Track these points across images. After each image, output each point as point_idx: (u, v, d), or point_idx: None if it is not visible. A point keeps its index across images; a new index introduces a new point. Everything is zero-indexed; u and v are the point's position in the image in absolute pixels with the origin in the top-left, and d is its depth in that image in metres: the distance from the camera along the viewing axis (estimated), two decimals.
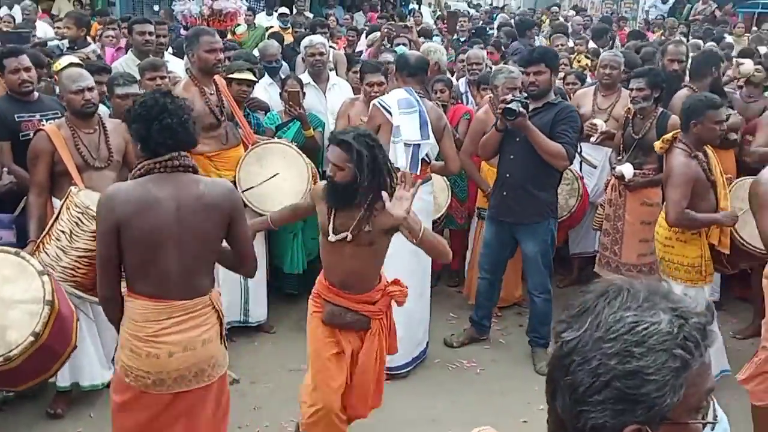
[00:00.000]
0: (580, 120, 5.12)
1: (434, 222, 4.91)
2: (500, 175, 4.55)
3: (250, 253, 2.96)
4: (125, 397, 2.84)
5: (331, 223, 3.18)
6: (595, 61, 6.56)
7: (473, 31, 10.68)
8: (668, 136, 4.19)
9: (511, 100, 4.08)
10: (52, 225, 3.57)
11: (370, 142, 3.08)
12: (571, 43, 8.58)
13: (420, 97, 4.41)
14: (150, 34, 5.67)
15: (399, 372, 4.46)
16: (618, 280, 1.18)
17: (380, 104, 4.36)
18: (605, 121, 5.25)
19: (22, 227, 3.94)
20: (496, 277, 4.80)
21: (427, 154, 4.41)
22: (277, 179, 4.71)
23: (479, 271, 4.89)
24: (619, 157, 4.96)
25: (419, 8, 16.97)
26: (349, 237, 3.13)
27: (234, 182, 4.63)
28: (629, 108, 4.92)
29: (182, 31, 8.16)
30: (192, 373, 2.81)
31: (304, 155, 4.84)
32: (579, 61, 7.59)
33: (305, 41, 5.94)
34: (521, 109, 4.04)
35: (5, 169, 4.02)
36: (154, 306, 2.74)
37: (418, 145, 4.31)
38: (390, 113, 4.30)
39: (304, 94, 5.37)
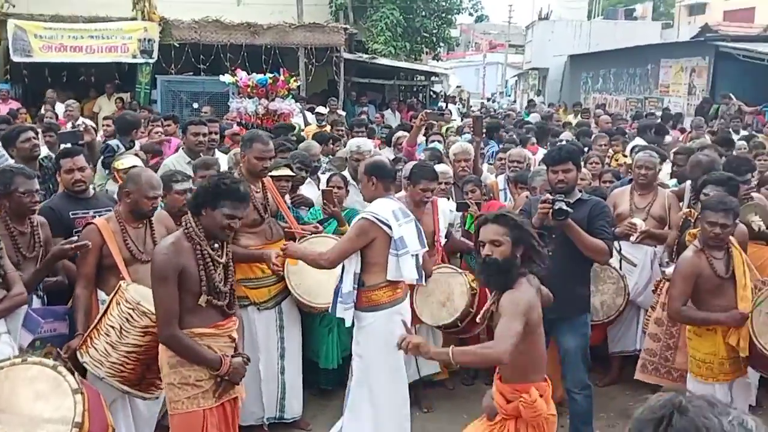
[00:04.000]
0: (616, 220, 5.24)
1: (453, 325, 4.90)
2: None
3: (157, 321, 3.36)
4: None
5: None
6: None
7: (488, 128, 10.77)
8: (695, 230, 4.25)
9: (554, 200, 4.16)
10: (100, 319, 3.62)
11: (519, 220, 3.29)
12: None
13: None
14: (204, 135, 5.97)
15: None
16: (667, 395, 1.39)
17: (375, 218, 4.20)
18: (644, 220, 5.31)
19: (72, 319, 4.01)
20: None
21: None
22: (325, 272, 4.78)
23: None
24: (667, 260, 4.98)
25: (447, 106, 17.47)
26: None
27: (283, 276, 4.74)
28: (690, 211, 4.95)
29: (235, 126, 8.46)
30: None
31: None
32: (617, 160, 7.72)
33: (353, 145, 6.09)
34: (570, 209, 4.13)
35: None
36: None
37: (417, 254, 4.32)
38: (389, 226, 4.20)
39: (347, 191, 5.50)
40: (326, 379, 5.46)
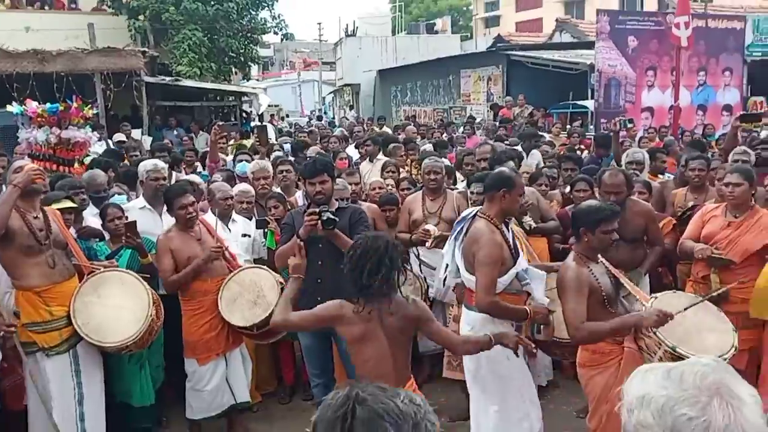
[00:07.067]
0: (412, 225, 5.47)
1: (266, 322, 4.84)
2: (311, 282, 4.28)
3: None
4: None
5: None
6: None
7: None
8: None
9: (320, 212, 4.34)
10: None
11: None
12: None
13: None
14: None
15: None
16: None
17: None
18: (436, 225, 5.56)
19: None
20: (328, 377, 4.76)
21: None
22: (116, 308, 4.55)
23: (311, 378, 4.87)
24: None
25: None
26: None
27: (69, 316, 4.43)
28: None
29: (27, 159, 7.81)
30: None
31: (143, 281, 4.71)
32: (416, 168, 8.02)
33: (148, 165, 5.86)
34: (336, 218, 4.29)
35: None
36: None
37: None
38: None
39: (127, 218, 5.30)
40: (143, 417, 5.18)
